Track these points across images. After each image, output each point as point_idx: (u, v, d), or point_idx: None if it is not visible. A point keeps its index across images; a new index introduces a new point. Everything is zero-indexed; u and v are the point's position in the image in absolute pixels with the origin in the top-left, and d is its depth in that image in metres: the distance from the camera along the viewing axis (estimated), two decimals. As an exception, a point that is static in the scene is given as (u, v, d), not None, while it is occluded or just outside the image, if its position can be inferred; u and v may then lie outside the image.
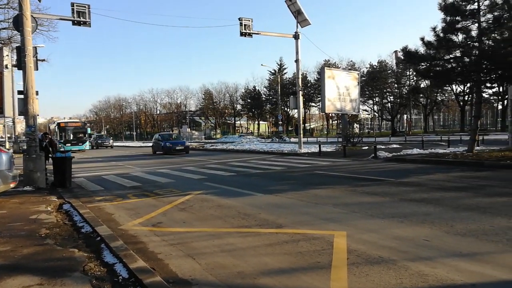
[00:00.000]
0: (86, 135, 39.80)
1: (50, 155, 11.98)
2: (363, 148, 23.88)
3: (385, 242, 4.88)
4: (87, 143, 39.61)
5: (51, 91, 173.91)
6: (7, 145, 49.35)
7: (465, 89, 56.18)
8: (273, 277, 3.93)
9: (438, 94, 62.38)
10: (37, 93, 13.56)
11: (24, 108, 11.81)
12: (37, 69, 12.40)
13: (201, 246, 5.07)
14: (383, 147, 22.85)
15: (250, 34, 21.71)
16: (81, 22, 16.27)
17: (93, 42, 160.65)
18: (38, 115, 15.36)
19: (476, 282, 3.60)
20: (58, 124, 38.90)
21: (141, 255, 4.68)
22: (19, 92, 12.68)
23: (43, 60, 28.54)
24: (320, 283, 3.72)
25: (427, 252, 4.46)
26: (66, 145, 35.16)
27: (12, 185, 8.56)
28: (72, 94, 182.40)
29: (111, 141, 53.62)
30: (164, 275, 4.04)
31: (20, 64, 11.83)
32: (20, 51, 11.80)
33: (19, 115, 14.54)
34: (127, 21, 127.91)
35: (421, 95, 59.70)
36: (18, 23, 11.79)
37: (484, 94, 54.41)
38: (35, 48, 12.66)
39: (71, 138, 37.68)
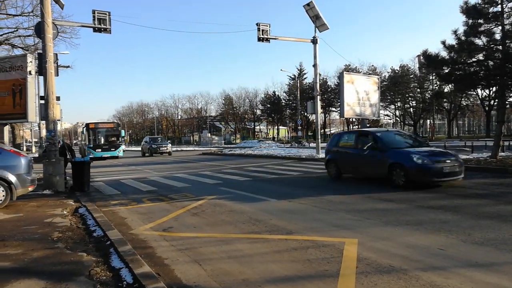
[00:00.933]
0: (120, 138, 33.00)
1: (68, 159, 12.20)
2: (383, 153, 23.40)
3: (398, 251, 4.71)
4: (122, 147, 32.70)
5: (77, 97, 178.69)
6: (34, 149, 50.98)
7: (491, 93, 54.60)
8: (278, 285, 3.85)
9: (462, 99, 60.79)
10: (58, 98, 13.92)
11: (44, 113, 12.12)
12: (57, 75, 12.71)
13: (208, 251, 5.03)
14: (403, 152, 22.31)
15: (267, 39, 21.71)
16: (102, 29, 16.62)
17: (116, 49, 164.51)
18: (59, 120, 15.78)
19: (491, 294, 3.42)
20: (87, 125, 31.97)
21: (148, 260, 4.67)
22: (41, 98, 13.05)
23: (68, 66, 29.33)
24: (325, 292, 3.61)
25: (441, 261, 4.28)
26: (96, 150, 29.97)
27: (30, 189, 8.77)
28: (97, 100, 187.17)
29: (169, 146, 37.06)
30: (168, 281, 4.01)
31: (41, 70, 12.17)
32: (42, 57, 12.14)
33: (41, 120, 14.94)
34: (146, 27, 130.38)
35: (444, 99, 58.32)
36: (40, 30, 12.17)
37: (511, 99, 52.87)
38: (56, 54, 13.01)
39: (102, 142, 31.28)
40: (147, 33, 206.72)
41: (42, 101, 12.43)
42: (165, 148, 35.60)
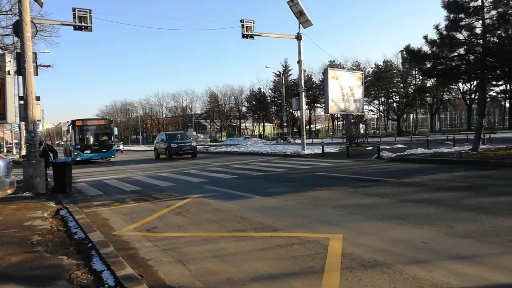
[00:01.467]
0: (113, 137, 28.32)
1: (50, 160, 11.95)
2: (367, 148, 23.66)
3: (382, 245, 4.73)
4: (114, 148, 28.49)
5: (59, 97, 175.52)
6: (14, 151, 49.84)
7: (472, 87, 55.66)
8: (263, 283, 3.81)
9: (444, 93, 61.82)
10: (38, 98, 13.62)
11: (24, 113, 11.83)
12: (36, 75, 12.42)
13: (193, 251, 4.96)
14: (387, 147, 22.61)
15: (252, 36, 21.66)
16: (83, 27, 16.34)
17: (99, 47, 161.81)
18: (39, 121, 15.44)
19: (474, 286, 3.46)
20: (73, 122, 26.68)
21: (131, 261, 4.59)
22: (20, 98, 12.73)
23: (49, 66, 28.80)
24: (310, 289, 3.59)
25: (424, 254, 4.31)
26: (85, 152, 25.90)
27: (9, 191, 8.53)
28: (79, 99, 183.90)
29: (194, 144, 26.84)
30: (152, 282, 3.94)
31: (20, 69, 11.87)
32: (20, 57, 11.83)
33: (20, 121, 14.60)
34: (129, 25, 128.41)
35: (427, 94, 59.19)
36: (18, 28, 11.82)
37: (491, 92, 53.91)
38: (35, 53, 12.69)
39: (92, 142, 26.81)
40: (130, 31, 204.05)
41: (22, 102, 12.13)
42: (188, 148, 26.07)
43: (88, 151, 26.06)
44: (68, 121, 31.55)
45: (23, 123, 30.47)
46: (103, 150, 26.72)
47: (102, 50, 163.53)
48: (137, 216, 7.43)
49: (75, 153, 25.47)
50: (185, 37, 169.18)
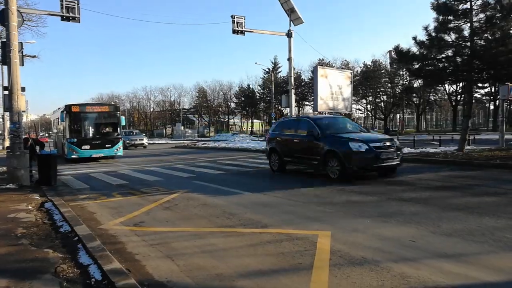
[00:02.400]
0: (120, 128, 21.52)
1: (35, 152, 11.72)
2: (355, 147, 23.78)
3: (370, 243, 4.77)
4: (121, 143, 21.43)
5: (44, 88, 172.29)
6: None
7: (458, 89, 56.54)
8: (252, 279, 3.81)
9: (431, 94, 62.66)
10: (23, 89, 13.32)
11: (9, 104, 11.58)
12: (22, 65, 12.14)
13: (181, 246, 4.93)
14: (375, 146, 22.74)
15: (242, 32, 21.56)
16: (70, 18, 16.04)
17: (86, 39, 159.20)
18: (24, 112, 15.12)
19: (460, 284, 3.50)
20: (68, 108, 19.93)
21: (118, 256, 4.53)
22: (5, 88, 12.45)
23: (34, 56, 28.12)
24: (299, 285, 3.60)
25: (412, 252, 4.36)
26: (83, 148, 19.51)
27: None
28: (65, 91, 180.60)
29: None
30: (140, 277, 3.90)
31: (5, 59, 11.60)
32: (6, 46, 11.57)
33: (4, 111, 14.29)
34: (117, 17, 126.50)
35: (414, 94, 59.90)
36: (3, 17, 11.53)
37: (476, 94, 54.90)
38: (21, 43, 12.41)
39: (91, 134, 20.52)
40: (119, 23, 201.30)
41: (6, 92, 11.87)
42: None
43: (87, 147, 19.63)
44: (59, 108, 23.26)
45: (7, 113, 29.31)
46: (106, 146, 20.18)
47: (89, 42, 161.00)
48: (124, 210, 7.35)
49: (70, 149, 19.29)
50: (174, 31, 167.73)
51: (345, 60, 66.99)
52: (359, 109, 72.01)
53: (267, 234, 5.33)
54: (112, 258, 4.23)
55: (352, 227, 5.53)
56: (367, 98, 68.47)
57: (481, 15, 15.00)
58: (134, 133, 38.49)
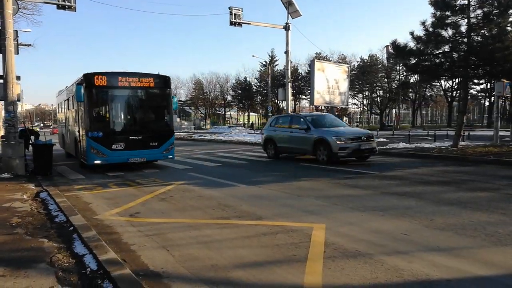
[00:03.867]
0: (171, 114, 13.17)
1: (30, 142, 11.66)
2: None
3: (364, 236, 4.81)
4: (173, 139, 12.84)
5: (39, 77, 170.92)
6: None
7: (453, 85, 56.72)
8: (247, 270, 3.83)
9: (426, 90, 62.90)
10: (18, 78, 13.21)
11: (4, 93, 11.48)
12: (17, 53, 12.03)
13: (177, 237, 4.95)
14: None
15: (240, 24, 21.49)
16: (66, 6, 15.93)
17: (82, 28, 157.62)
18: (19, 101, 15.00)
19: (452, 277, 3.55)
20: (89, 80, 11.37)
21: (114, 246, 4.55)
22: None
23: (30, 45, 27.84)
24: (294, 276, 3.63)
25: (405, 246, 4.41)
26: (114, 146, 11.53)
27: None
28: (61, 81, 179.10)
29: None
30: (135, 268, 3.92)
31: (0, 47, 11.48)
32: (1, 34, 11.43)
33: (-1, 100, 14.16)
34: (114, 6, 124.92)
35: (410, 90, 60.09)
36: (-1, 5, 11.40)
37: (472, 91, 55.12)
38: (16, 31, 12.28)
39: (125, 125, 12.21)
40: (115, 12, 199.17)
41: (1, 81, 11.77)
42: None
43: (121, 145, 11.69)
44: (76, 81, 12.94)
45: (1, 103, 28.88)
46: (151, 144, 12.23)
47: (85, 31, 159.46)
48: (120, 201, 7.36)
49: (92, 148, 11.39)
50: (171, 22, 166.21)
51: (342, 54, 66.88)
52: (355, 104, 72.20)
53: (262, 226, 5.37)
54: (108, 248, 4.24)
55: (347, 220, 5.58)
56: (364, 93, 68.59)
57: (479, 11, 15.05)
58: None
